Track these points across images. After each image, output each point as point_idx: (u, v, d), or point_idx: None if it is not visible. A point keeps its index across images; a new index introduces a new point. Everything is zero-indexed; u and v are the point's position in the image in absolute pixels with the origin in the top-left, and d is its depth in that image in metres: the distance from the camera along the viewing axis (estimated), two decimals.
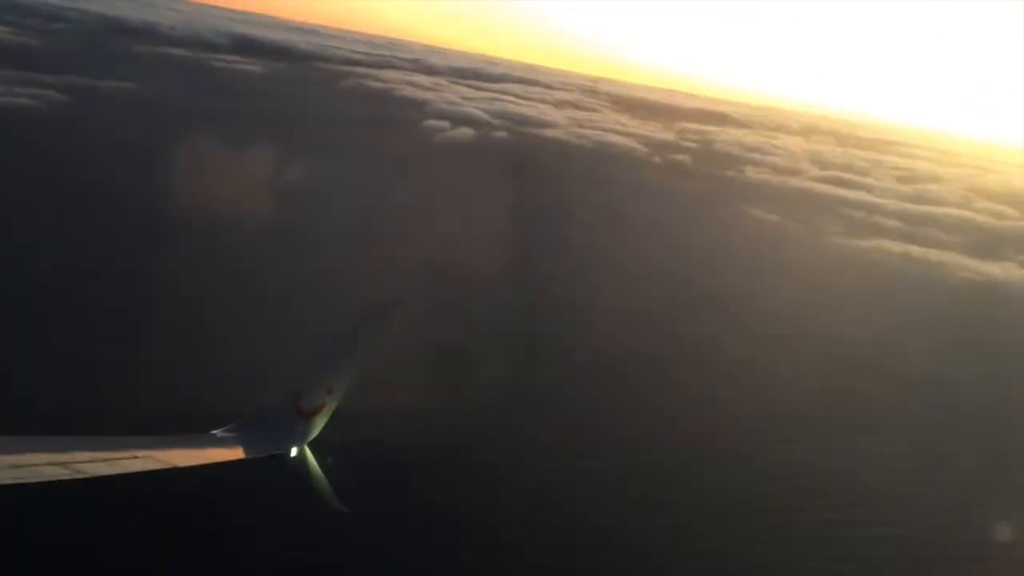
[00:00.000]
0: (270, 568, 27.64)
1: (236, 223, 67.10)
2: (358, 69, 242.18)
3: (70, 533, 26.44)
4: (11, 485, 10.05)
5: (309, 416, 14.38)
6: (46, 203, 64.32)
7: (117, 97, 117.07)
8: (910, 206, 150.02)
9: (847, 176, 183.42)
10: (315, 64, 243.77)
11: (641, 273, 75.27)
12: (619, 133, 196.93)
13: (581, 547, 31.51)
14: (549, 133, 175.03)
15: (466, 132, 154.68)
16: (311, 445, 14.28)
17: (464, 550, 29.81)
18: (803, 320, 67.97)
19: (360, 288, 53.62)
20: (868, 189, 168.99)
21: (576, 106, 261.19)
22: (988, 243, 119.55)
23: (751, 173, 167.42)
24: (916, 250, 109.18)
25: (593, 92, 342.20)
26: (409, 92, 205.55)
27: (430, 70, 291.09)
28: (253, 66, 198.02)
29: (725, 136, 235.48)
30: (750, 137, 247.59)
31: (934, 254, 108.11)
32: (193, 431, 13.60)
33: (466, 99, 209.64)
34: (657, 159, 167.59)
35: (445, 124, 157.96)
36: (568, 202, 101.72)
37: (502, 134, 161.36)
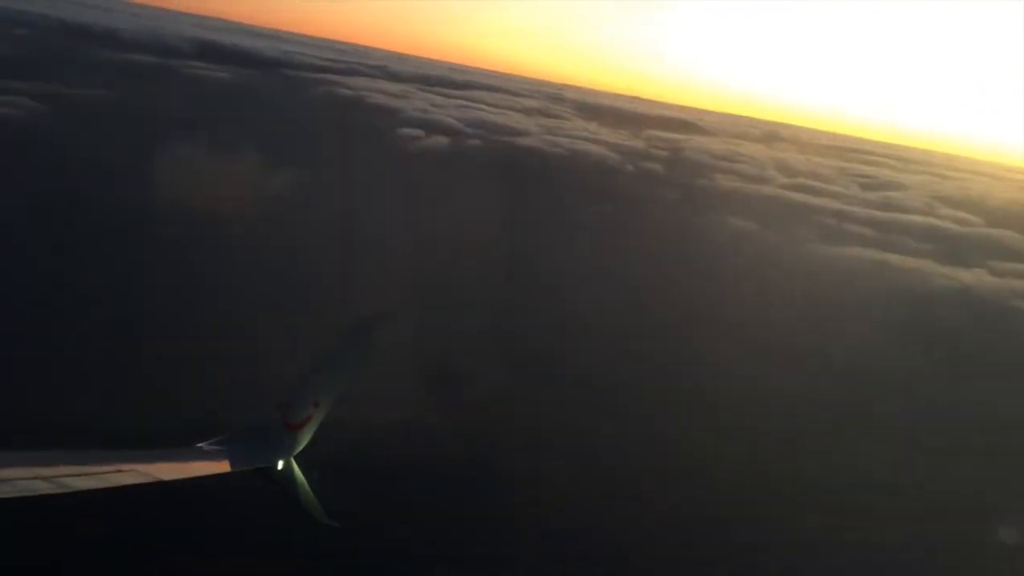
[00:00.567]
0: None
1: (228, 235, 66.67)
2: (326, 76, 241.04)
3: (54, 548, 25.99)
4: None
5: (296, 429, 14.27)
6: (40, 213, 63.35)
7: (94, 106, 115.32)
8: (878, 213, 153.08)
9: (814, 184, 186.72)
10: (282, 71, 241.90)
11: (645, 286, 75.98)
12: (590, 141, 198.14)
13: (571, 558, 31.57)
14: (522, 141, 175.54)
15: (441, 140, 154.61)
16: (298, 458, 14.19)
17: (451, 564, 29.67)
18: (806, 333, 69.19)
19: (353, 299, 53.16)
20: (835, 196, 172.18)
21: (544, 114, 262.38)
22: (957, 250, 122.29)
23: (722, 181, 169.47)
24: (892, 257, 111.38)
25: (559, 99, 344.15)
26: (380, 100, 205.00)
27: (396, 77, 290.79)
28: (222, 73, 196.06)
29: (692, 144, 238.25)
30: (716, 145, 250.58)
31: (910, 261, 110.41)
32: (179, 444, 13.44)
33: (436, 107, 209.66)
34: (630, 167, 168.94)
35: (420, 132, 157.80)
36: (554, 214, 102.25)
37: (476, 142, 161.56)
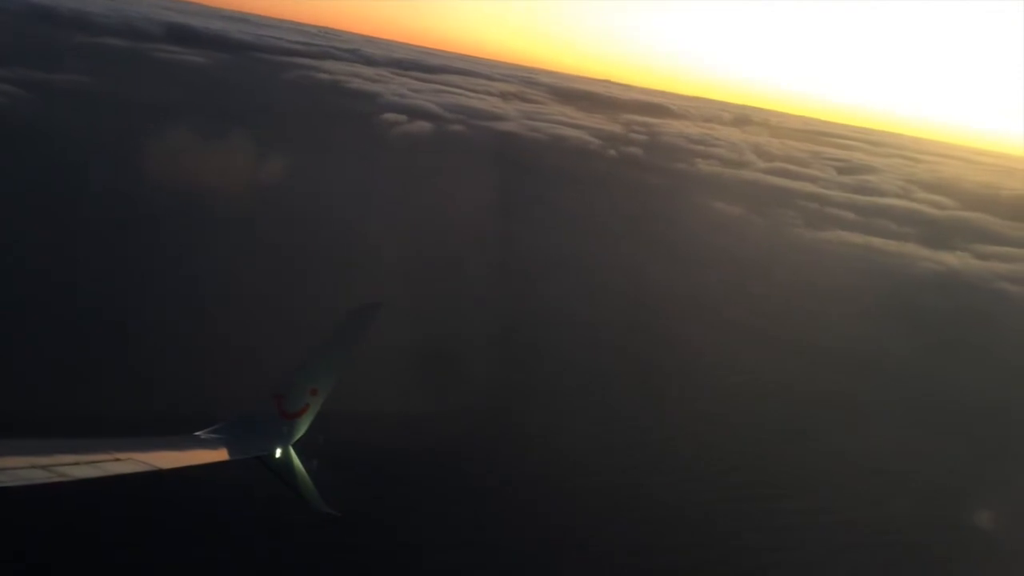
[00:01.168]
0: (252, 570, 27.37)
1: (227, 223, 66.21)
2: (299, 60, 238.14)
3: (52, 537, 25.94)
4: None
5: (293, 417, 14.46)
6: (39, 201, 62.39)
7: (76, 92, 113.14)
8: (856, 197, 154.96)
9: (791, 168, 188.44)
10: (256, 55, 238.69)
11: (644, 272, 76.44)
12: (569, 126, 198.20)
13: (567, 548, 31.66)
14: (502, 126, 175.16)
15: (424, 126, 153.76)
16: (296, 446, 14.35)
17: (450, 551, 29.80)
18: (806, 319, 70.30)
19: (357, 288, 52.80)
20: (813, 180, 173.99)
21: (521, 98, 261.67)
22: (938, 233, 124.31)
23: (702, 166, 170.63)
24: (876, 241, 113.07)
25: (533, 83, 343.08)
26: (357, 84, 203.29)
27: (370, 61, 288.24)
28: (196, 57, 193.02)
29: (668, 128, 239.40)
30: (691, 129, 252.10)
31: (894, 245, 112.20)
32: (177, 433, 13.58)
33: (414, 91, 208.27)
34: (612, 152, 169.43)
35: (402, 117, 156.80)
36: (548, 201, 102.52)
37: (459, 128, 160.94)
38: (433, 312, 51.17)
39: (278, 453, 14.18)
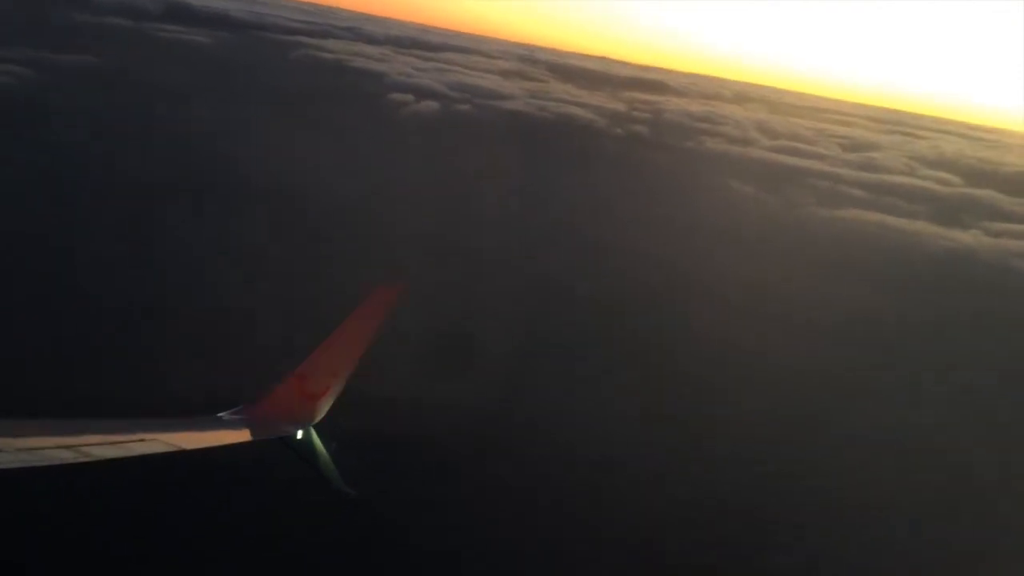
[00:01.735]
0: (274, 551, 27.58)
1: (249, 203, 66.22)
2: (301, 39, 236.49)
3: (77, 516, 26.24)
4: (20, 468, 10.03)
5: (315, 399, 14.43)
6: (63, 181, 62.40)
7: (84, 73, 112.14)
8: (864, 175, 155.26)
9: (796, 145, 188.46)
10: (257, 34, 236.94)
11: (674, 252, 76.65)
12: (574, 104, 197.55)
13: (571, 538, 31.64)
14: (509, 106, 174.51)
15: (431, 105, 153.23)
16: (317, 428, 14.32)
17: (469, 533, 30.05)
18: (835, 300, 70.72)
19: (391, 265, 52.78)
20: (819, 158, 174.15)
21: (521, 76, 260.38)
22: (948, 211, 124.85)
23: (710, 144, 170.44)
24: (890, 220, 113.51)
25: (531, 61, 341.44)
26: (361, 63, 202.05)
27: (370, 39, 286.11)
28: (199, 36, 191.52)
29: (670, 106, 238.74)
30: (693, 106, 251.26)
31: (906, 223, 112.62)
32: (200, 414, 13.60)
33: (418, 70, 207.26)
34: (619, 131, 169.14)
35: (409, 97, 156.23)
36: (568, 181, 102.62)
37: (466, 107, 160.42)
38: (453, 297, 51.15)
39: (300, 434, 14.15)
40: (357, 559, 28.01)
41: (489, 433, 36.94)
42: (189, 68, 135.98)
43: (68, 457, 10.66)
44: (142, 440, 11.75)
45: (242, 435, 13.33)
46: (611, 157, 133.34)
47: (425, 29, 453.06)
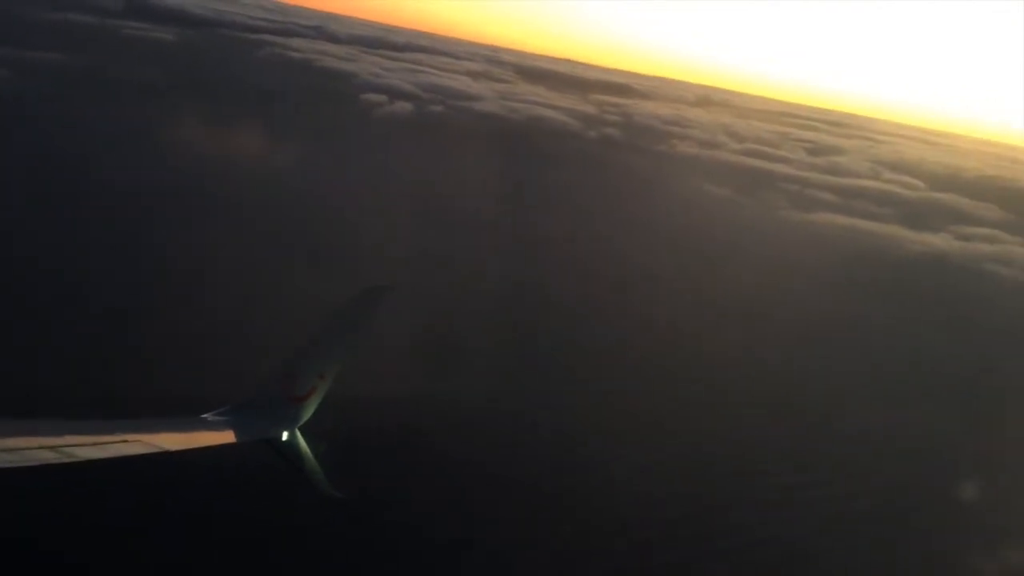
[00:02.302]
0: (258, 553, 27.44)
1: (227, 207, 65.44)
2: (266, 37, 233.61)
3: (58, 519, 25.87)
4: (2, 469, 10.05)
5: (300, 400, 14.35)
6: (41, 183, 61.13)
7: (56, 70, 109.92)
8: (831, 178, 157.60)
9: (764, 149, 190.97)
10: (221, 31, 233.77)
11: (661, 256, 77.27)
12: (544, 106, 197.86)
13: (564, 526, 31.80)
14: (481, 107, 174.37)
15: (405, 107, 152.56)
16: (302, 429, 14.30)
17: (454, 528, 30.12)
18: (818, 304, 71.56)
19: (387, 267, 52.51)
20: (787, 162, 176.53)
21: (489, 77, 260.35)
22: (917, 215, 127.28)
23: (681, 147, 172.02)
24: (861, 223, 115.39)
25: (498, 63, 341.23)
26: (330, 63, 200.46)
27: (334, 38, 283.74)
28: (164, 34, 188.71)
29: (639, 109, 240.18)
30: (661, 109, 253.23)
31: (877, 227, 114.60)
32: (184, 416, 13.55)
33: (387, 70, 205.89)
34: (592, 133, 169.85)
35: (382, 98, 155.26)
36: (542, 184, 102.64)
37: (438, 108, 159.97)
38: (440, 297, 51.33)
39: (285, 436, 14.08)
40: (345, 559, 27.72)
41: (475, 425, 37.11)
42: (157, 67, 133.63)
43: (51, 458, 10.52)
44: (125, 441, 11.60)
45: (227, 436, 13.20)
46: (588, 160, 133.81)
47: (389, 29, 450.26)
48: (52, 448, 10.73)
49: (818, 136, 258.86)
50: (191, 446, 12.53)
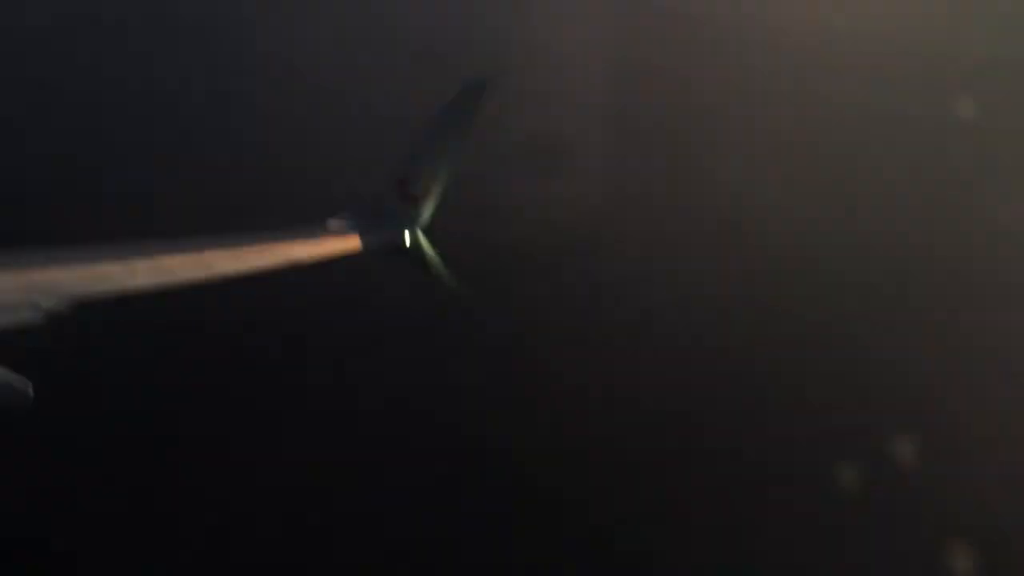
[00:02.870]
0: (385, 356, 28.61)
1: None
2: None
3: (203, 335, 26.76)
4: (152, 287, 11.37)
5: (417, 201, 15.06)
6: None
7: None
8: None
9: None
10: None
11: None
12: None
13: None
14: None
15: None
16: (424, 231, 15.11)
17: (566, 339, 30.92)
18: None
19: None
20: None
21: None
22: None
23: None
24: None
25: None
26: None
27: None
28: None
29: None
30: None
31: None
32: (309, 224, 14.45)
33: None
34: None
35: None
36: None
37: None
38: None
39: (407, 237, 14.81)
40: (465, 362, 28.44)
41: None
42: None
43: (194, 275, 11.74)
44: (260, 253, 12.78)
45: (352, 242, 14.16)
46: None
47: None
48: (198, 266, 11.78)
49: None
50: (321, 255, 13.36)
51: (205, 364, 26.35)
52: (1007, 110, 57.50)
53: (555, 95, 51.41)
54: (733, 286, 35.70)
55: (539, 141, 43.78)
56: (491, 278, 30.17)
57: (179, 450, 23.62)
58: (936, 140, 53.50)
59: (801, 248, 39.69)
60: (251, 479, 22.94)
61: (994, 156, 52.48)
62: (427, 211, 14.79)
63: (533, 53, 57.24)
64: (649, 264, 37.41)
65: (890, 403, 30.01)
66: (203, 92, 47.83)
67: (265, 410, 25.62)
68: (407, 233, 14.56)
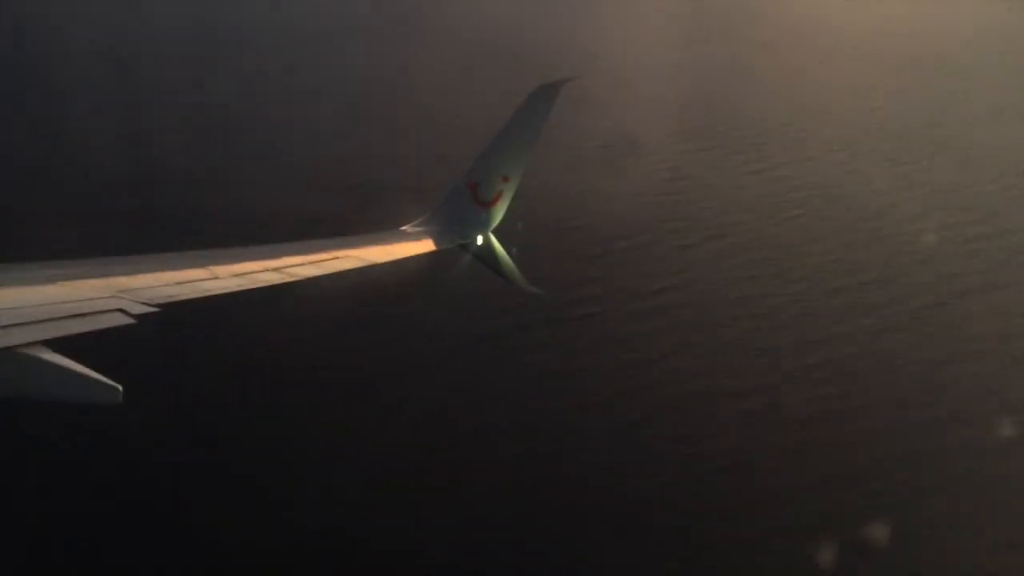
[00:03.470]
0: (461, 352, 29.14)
1: None
2: None
3: (286, 334, 27.49)
4: (233, 292, 11.17)
5: (489, 205, 14.88)
6: None
7: None
8: None
9: None
10: None
11: None
12: None
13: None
14: None
15: None
16: (495, 232, 14.86)
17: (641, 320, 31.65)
18: None
19: None
20: None
21: None
22: None
23: None
24: None
25: None
26: None
27: None
28: None
29: None
30: None
31: None
32: (384, 231, 14.40)
33: None
34: None
35: None
36: None
37: None
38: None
39: (480, 240, 14.80)
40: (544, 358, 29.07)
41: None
42: None
43: (275, 279, 11.72)
44: (337, 258, 12.72)
45: (426, 245, 14.16)
46: None
47: None
48: (275, 270, 11.86)
49: None
50: (396, 257, 13.42)
51: (283, 367, 27.40)
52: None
53: (621, 99, 51.62)
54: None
55: (608, 144, 44.02)
56: (562, 278, 31.10)
57: (284, 445, 24.81)
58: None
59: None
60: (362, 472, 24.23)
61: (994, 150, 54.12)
62: (498, 214, 14.87)
63: (604, 57, 57.30)
64: (720, 263, 38.01)
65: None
66: (289, 102, 49.19)
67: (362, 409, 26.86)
68: (479, 236, 14.70)
